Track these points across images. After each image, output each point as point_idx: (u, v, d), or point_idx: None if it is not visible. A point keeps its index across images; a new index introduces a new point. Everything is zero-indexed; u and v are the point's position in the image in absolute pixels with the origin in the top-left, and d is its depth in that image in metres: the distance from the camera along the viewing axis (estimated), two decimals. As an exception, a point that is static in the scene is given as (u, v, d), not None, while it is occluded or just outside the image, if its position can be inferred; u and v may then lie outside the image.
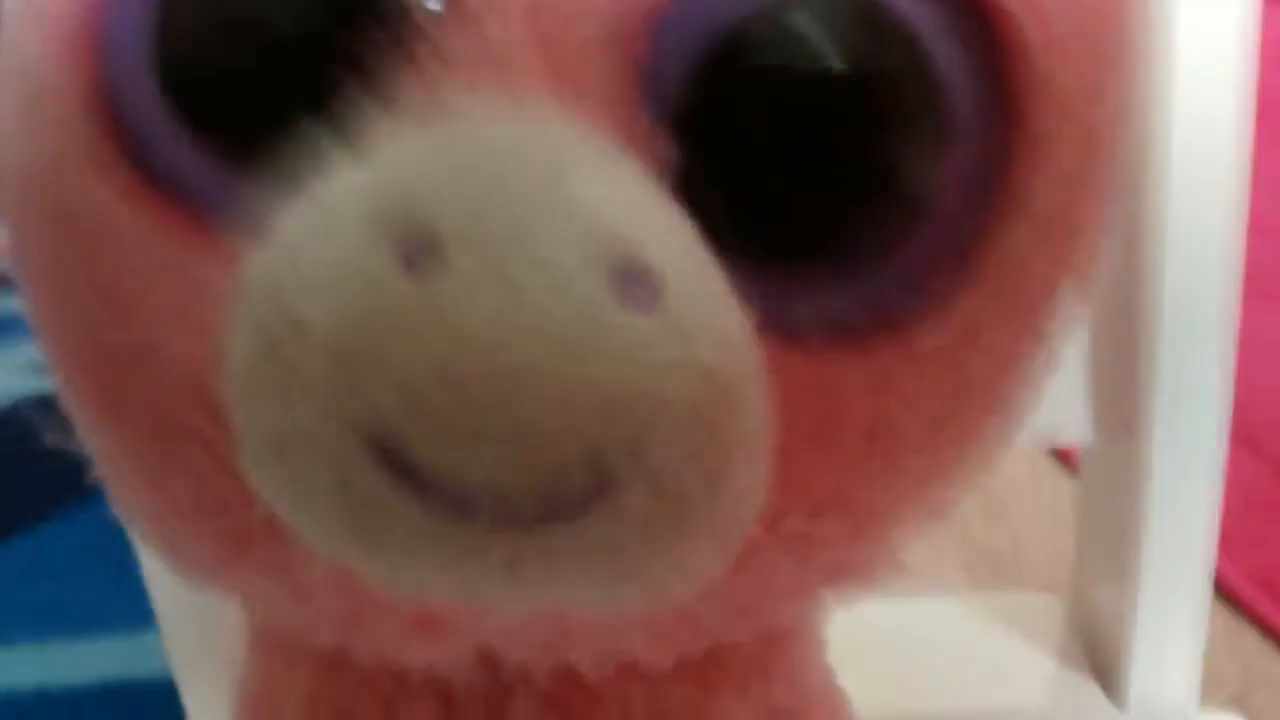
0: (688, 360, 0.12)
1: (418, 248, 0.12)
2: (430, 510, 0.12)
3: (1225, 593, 0.73)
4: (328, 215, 0.13)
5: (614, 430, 0.12)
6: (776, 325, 0.14)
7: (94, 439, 0.18)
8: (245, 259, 0.13)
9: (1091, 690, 0.38)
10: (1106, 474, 0.37)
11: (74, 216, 0.16)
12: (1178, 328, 0.33)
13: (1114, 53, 0.17)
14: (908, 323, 0.16)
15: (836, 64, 0.15)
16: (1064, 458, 0.80)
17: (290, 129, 0.14)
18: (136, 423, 0.16)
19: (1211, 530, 0.36)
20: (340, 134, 0.14)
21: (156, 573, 0.33)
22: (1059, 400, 0.35)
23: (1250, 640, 0.73)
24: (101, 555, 0.88)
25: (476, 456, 0.12)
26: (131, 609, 0.84)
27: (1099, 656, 0.39)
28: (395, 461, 0.12)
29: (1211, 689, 0.38)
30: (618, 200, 0.13)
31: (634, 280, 0.12)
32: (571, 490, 0.12)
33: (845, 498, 0.16)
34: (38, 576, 0.87)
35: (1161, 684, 0.37)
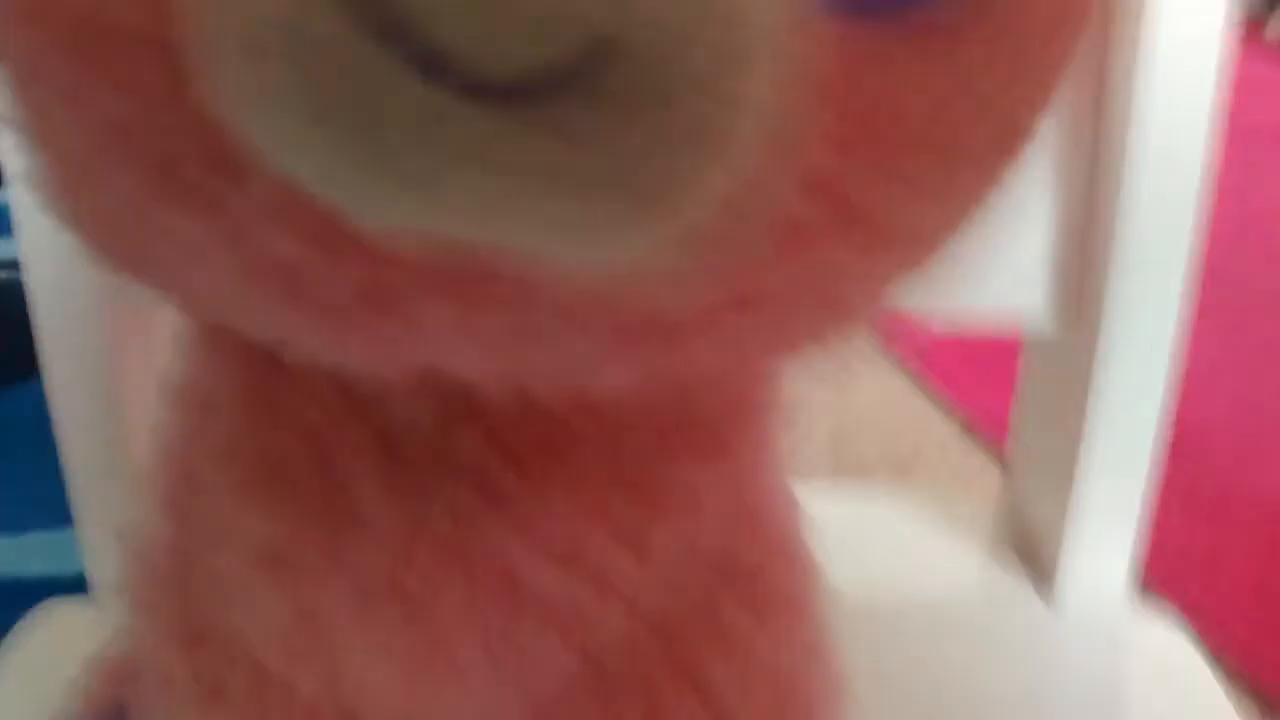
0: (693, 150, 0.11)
1: None
2: (414, 76, 0.11)
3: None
4: None
5: (659, 23, 0.11)
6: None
7: (18, 79, 0.16)
8: None
9: (1021, 584, 0.38)
10: (1053, 367, 0.36)
11: None
12: (1141, 218, 0.32)
13: None
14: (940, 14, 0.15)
15: None
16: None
17: None
18: (65, 32, 0.14)
19: (1160, 430, 0.36)
20: None
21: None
22: (1021, 285, 0.34)
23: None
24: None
25: (473, 11, 0.11)
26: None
27: (1031, 550, 0.39)
28: (382, 17, 0.11)
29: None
30: None
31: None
32: (571, 65, 0.11)
33: (852, 205, 0.15)
34: None
35: (1094, 582, 0.37)
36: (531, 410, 0.19)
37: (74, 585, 0.77)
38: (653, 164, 0.11)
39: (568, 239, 0.12)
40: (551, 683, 0.22)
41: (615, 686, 0.22)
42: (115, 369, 0.35)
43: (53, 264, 0.34)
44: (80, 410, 0.35)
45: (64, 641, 0.36)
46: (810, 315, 0.17)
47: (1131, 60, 0.32)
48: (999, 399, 0.96)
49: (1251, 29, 1.84)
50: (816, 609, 0.23)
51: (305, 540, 0.20)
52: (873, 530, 0.40)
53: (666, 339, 0.16)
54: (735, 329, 0.16)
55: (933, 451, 0.96)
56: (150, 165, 0.14)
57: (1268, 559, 0.84)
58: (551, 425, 0.19)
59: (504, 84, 0.11)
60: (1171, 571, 0.81)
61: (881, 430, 0.96)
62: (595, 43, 0.11)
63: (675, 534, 0.21)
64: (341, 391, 0.19)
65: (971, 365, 1.03)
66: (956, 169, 0.16)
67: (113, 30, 0.13)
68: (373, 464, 0.19)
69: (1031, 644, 0.36)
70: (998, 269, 0.33)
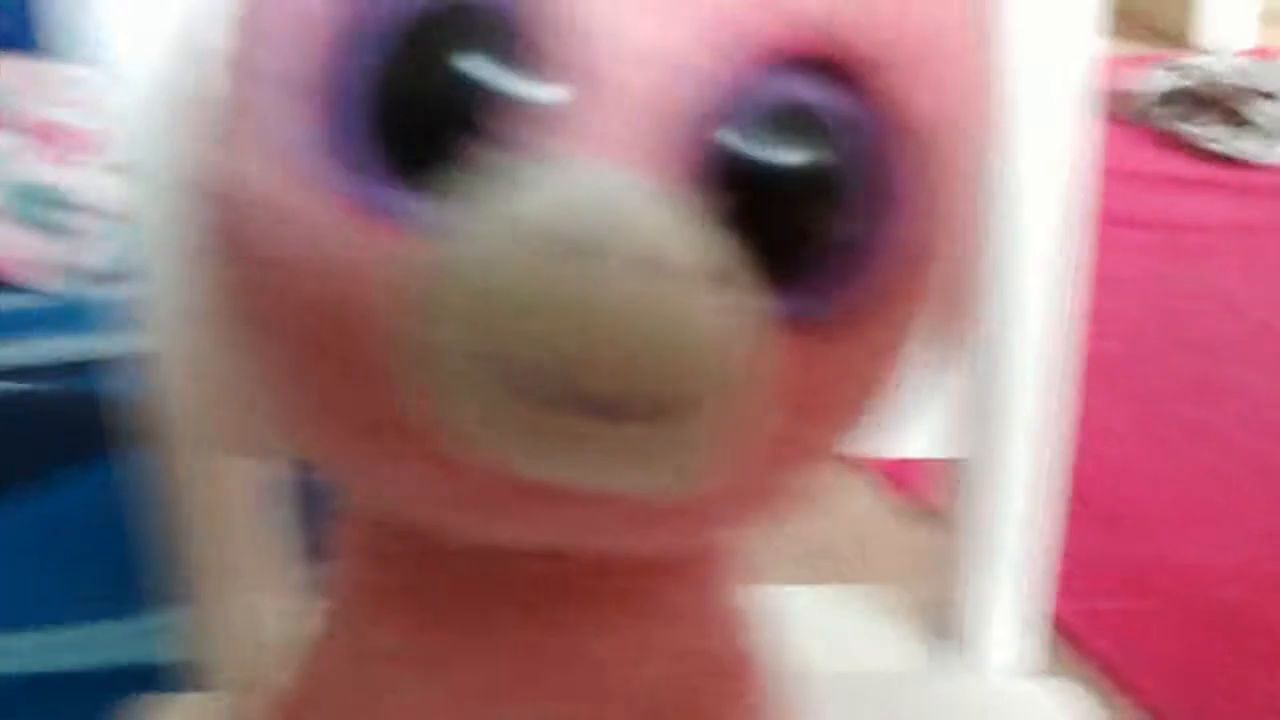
0: (725, 335, 0.21)
1: (567, 250, 0.20)
2: (573, 413, 0.21)
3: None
4: (515, 223, 0.21)
5: (671, 376, 0.20)
6: (776, 316, 0.23)
7: (279, 380, 0.25)
8: (438, 245, 0.21)
9: (949, 658, 0.47)
10: (958, 484, 0.46)
11: (297, 219, 0.23)
12: (1016, 360, 0.42)
13: (973, 124, 0.27)
14: (854, 315, 0.25)
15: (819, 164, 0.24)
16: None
17: (465, 173, 0.22)
18: (328, 357, 0.23)
19: (1052, 537, 0.45)
20: (508, 174, 0.22)
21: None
22: (919, 418, 0.44)
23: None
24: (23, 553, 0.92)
25: (607, 379, 0.20)
26: (57, 604, 0.88)
27: (950, 633, 0.48)
28: (524, 378, 0.20)
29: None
30: (686, 225, 0.21)
31: (694, 278, 0.21)
32: (649, 405, 0.21)
33: (794, 441, 0.25)
34: None
35: (1011, 656, 0.46)
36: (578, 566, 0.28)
37: (122, 676, 0.83)
38: (684, 455, 0.21)
39: (638, 484, 0.22)
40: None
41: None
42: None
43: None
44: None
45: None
46: (769, 501, 0.27)
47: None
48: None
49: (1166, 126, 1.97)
50: (773, 693, 0.32)
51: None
52: (832, 618, 0.48)
53: (677, 525, 0.25)
54: (717, 516, 0.26)
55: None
56: (356, 429, 0.23)
57: (1187, 627, 0.93)
58: (592, 577, 0.28)
59: (618, 412, 0.20)
60: (1101, 636, 0.89)
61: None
62: (659, 399, 0.20)
63: (666, 639, 0.30)
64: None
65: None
66: (851, 412, 0.26)
67: (356, 336, 0.22)
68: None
69: (960, 706, 0.45)
70: (916, 422, 0.43)
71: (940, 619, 0.48)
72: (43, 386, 1.12)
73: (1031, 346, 0.42)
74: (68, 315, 1.30)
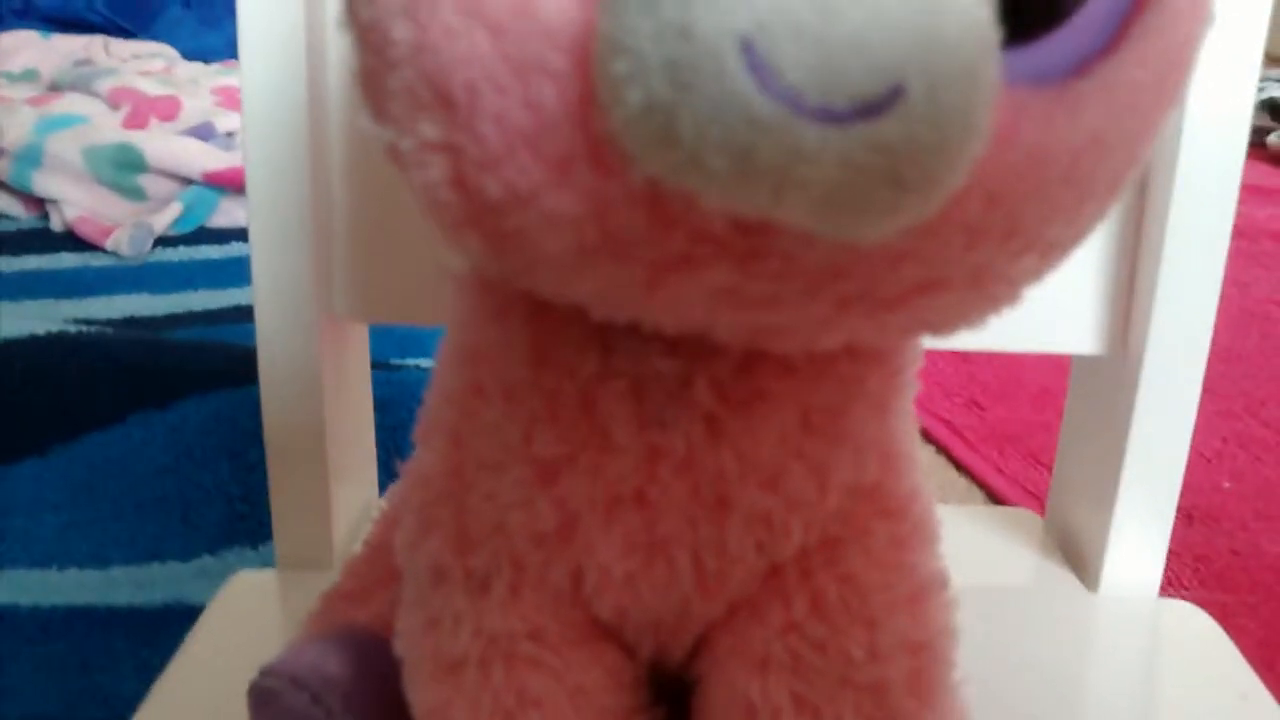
0: (968, 26, 0.18)
1: None
2: (775, 102, 0.18)
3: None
4: None
5: (916, 60, 0.18)
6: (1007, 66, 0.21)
7: (431, 101, 0.22)
8: None
9: (1067, 577, 0.45)
10: (1098, 387, 0.44)
11: None
12: (1177, 256, 0.40)
13: None
14: (1079, 77, 0.22)
15: None
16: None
17: None
18: (496, 66, 0.21)
19: (1185, 445, 0.42)
20: None
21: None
22: (1074, 313, 0.42)
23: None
24: (69, 494, 0.92)
25: (821, 61, 0.18)
26: (91, 544, 0.88)
27: (1074, 553, 0.46)
28: (756, 63, 0.18)
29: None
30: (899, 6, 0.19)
31: (896, 95, 0.18)
32: (876, 100, 0.18)
33: (1012, 215, 0.22)
34: (7, 510, 0.91)
35: (1129, 574, 0.44)
36: (749, 368, 0.26)
37: (158, 613, 0.82)
38: (916, 165, 0.19)
39: (843, 217, 0.20)
40: (740, 579, 0.28)
41: (787, 583, 0.28)
42: (318, 377, 0.42)
43: (277, 281, 0.41)
44: (287, 413, 0.42)
45: (257, 606, 0.43)
46: (968, 301, 0.24)
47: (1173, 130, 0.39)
48: (1023, 472, 1.03)
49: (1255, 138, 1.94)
50: (938, 543, 0.30)
51: (573, 458, 0.27)
52: (957, 536, 0.46)
53: (872, 312, 0.23)
54: (918, 309, 0.23)
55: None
56: (551, 163, 0.21)
57: (1270, 621, 0.90)
58: (763, 381, 0.26)
59: (836, 108, 0.18)
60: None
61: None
62: (893, 87, 0.18)
63: (846, 471, 0.28)
64: (606, 349, 0.27)
65: (993, 440, 1.10)
66: (1085, 199, 0.23)
67: (540, 67, 0.21)
68: (627, 403, 0.27)
69: (1077, 626, 0.43)
70: (1055, 302, 0.41)
71: (1062, 539, 0.46)
72: (118, 333, 1.12)
73: (1189, 248, 0.40)
74: (144, 274, 1.31)
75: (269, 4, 0.39)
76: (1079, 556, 0.45)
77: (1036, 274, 0.25)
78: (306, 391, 0.42)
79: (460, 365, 0.29)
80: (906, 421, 0.29)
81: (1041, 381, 1.18)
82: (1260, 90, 1.98)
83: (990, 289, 0.24)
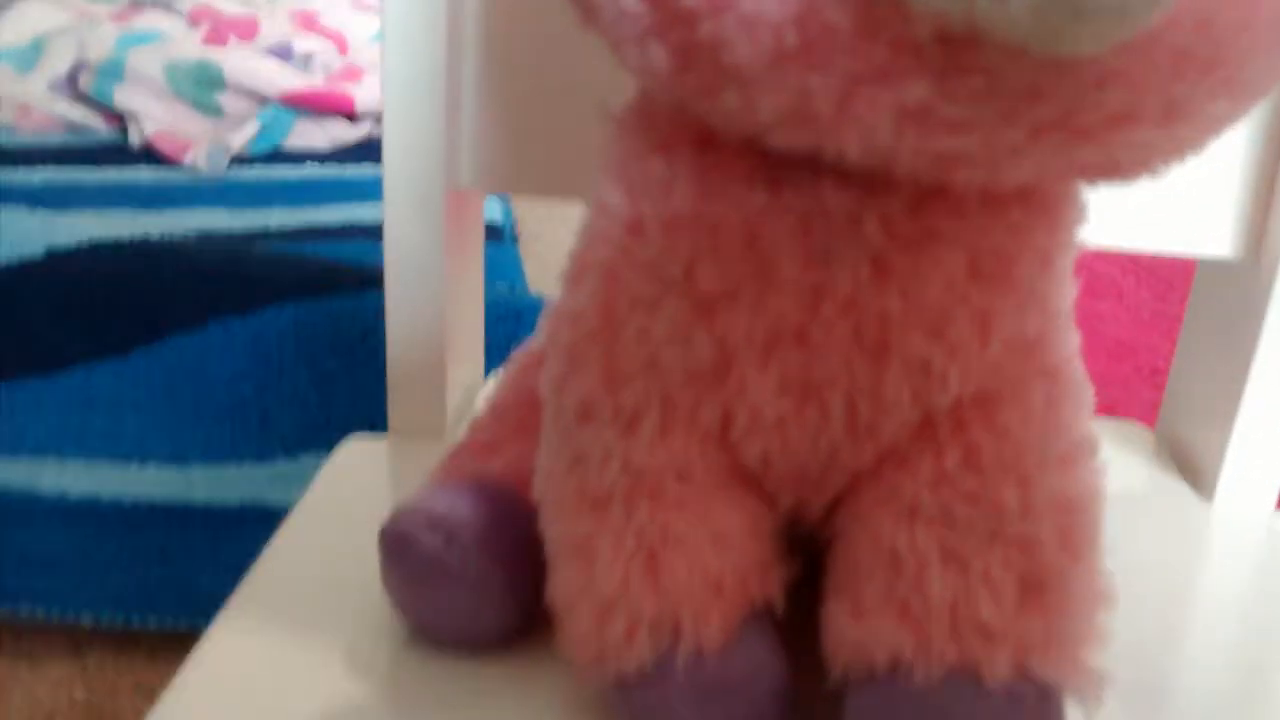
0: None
1: None
2: None
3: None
4: None
5: None
6: None
7: None
8: None
9: (1182, 489, 0.44)
10: (1225, 294, 0.43)
11: None
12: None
13: None
14: None
15: None
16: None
17: None
18: None
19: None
20: None
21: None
22: (1210, 215, 0.41)
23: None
24: (150, 394, 0.93)
25: None
26: (171, 443, 0.90)
27: (1189, 466, 0.45)
28: None
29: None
30: None
31: None
32: None
33: (1215, 46, 0.22)
34: (89, 406, 0.93)
35: (1245, 489, 0.43)
36: (921, 208, 0.26)
37: (234, 513, 0.84)
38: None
39: (1054, 25, 0.19)
40: (892, 429, 0.28)
41: (939, 435, 0.28)
42: (439, 242, 0.42)
43: (406, 145, 0.41)
44: (408, 276, 0.42)
45: (370, 469, 0.43)
46: (1157, 144, 0.24)
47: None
48: (1135, 387, 1.00)
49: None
50: (1091, 408, 0.30)
51: (735, 294, 0.27)
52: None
53: (1065, 144, 0.23)
54: (1109, 144, 0.23)
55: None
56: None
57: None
58: (935, 222, 0.26)
59: None
60: None
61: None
62: None
63: (1010, 324, 0.27)
64: (775, 184, 0.26)
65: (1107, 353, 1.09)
66: (1248, 71, 0.23)
67: None
68: (794, 238, 0.26)
69: (1191, 535, 0.42)
70: (1187, 199, 0.40)
71: (1176, 451, 0.46)
72: (202, 242, 1.14)
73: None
74: (221, 192, 1.32)
75: None
76: (1194, 470, 0.45)
77: (1227, 119, 0.24)
78: (428, 265, 0.42)
79: (617, 204, 0.29)
80: (1068, 283, 0.29)
81: (1149, 299, 1.16)
82: None
83: (1181, 130, 0.23)
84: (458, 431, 0.38)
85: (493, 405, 0.37)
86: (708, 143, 0.27)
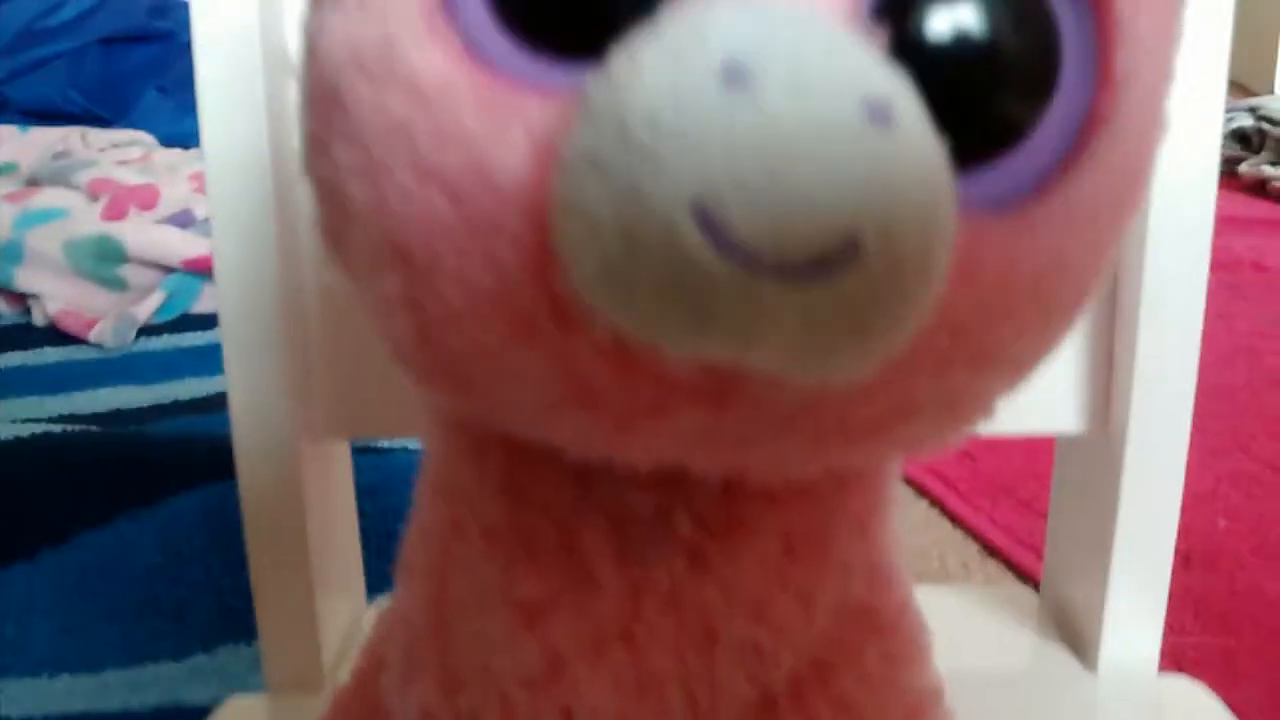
0: (918, 170, 0.18)
1: (736, 76, 0.18)
2: (730, 262, 0.18)
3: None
4: (674, 50, 0.18)
5: (868, 212, 0.18)
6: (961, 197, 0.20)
7: (409, 281, 0.22)
8: (589, 86, 0.19)
9: (1065, 657, 0.44)
10: (1084, 467, 0.44)
11: (413, 75, 0.21)
12: (1153, 333, 0.40)
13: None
14: (1039, 198, 0.22)
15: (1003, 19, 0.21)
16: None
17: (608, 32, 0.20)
18: (454, 229, 0.21)
19: (1174, 517, 0.42)
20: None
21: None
22: (1054, 394, 0.42)
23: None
24: (60, 598, 0.91)
25: (773, 221, 0.17)
26: (84, 649, 0.87)
27: (1071, 631, 0.45)
28: (709, 224, 0.18)
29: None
30: (866, 55, 0.19)
31: (879, 108, 0.18)
32: (832, 254, 0.18)
33: (979, 341, 0.22)
34: (29, 612, 0.91)
35: (1127, 652, 0.43)
36: (730, 497, 0.26)
37: (150, 716, 0.81)
38: (878, 314, 0.19)
39: (810, 364, 0.19)
40: (733, 710, 0.28)
41: (780, 709, 0.28)
42: (300, 497, 0.41)
43: (254, 401, 0.41)
44: (270, 532, 0.42)
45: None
46: (942, 423, 0.24)
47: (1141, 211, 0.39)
48: (1016, 522, 1.03)
49: (1227, 168, 1.96)
50: (931, 655, 0.30)
51: (555, 599, 0.27)
52: (933, 616, 0.46)
53: (847, 443, 0.23)
54: (893, 435, 0.23)
55: (958, 570, 1.02)
56: (514, 321, 0.21)
57: (1275, 663, 0.89)
58: (744, 510, 0.26)
59: (792, 266, 0.18)
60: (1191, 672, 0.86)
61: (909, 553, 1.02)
62: (848, 241, 0.18)
63: (833, 594, 0.27)
64: (583, 485, 0.26)
65: (987, 492, 1.10)
66: (1052, 314, 0.23)
67: (498, 229, 0.21)
68: (607, 540, 0.26)
69: (1077, 708, 0.42)
70: (1039, 387, 0.41)
71: (1058, 617, 0.46)
72: (103, 430, 1.12)
73: (1165, 323, 0.40)
74: (128, 365, 1.30)
75: (230, 113, 0.39)
76: (1076, 635, 0.45)
77: (1008, 389, 0.24)
78: (289, 511, 0.41)
79: (438, 502, 0.28)
80: (890, 535, 0.29)
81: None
82: (1229, 120, 2.00)
83: (962, 410, 0.24)
84: (339, 675, 0.38)
85: (354, 674, 0.37)
86: (515, 447, 0.27)
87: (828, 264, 0.18)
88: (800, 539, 0.27)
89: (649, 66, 0.18)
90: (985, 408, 0.24)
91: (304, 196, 0.41)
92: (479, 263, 0.21)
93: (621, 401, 0.22)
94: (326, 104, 0.22)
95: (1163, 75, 0.24)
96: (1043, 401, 0.41)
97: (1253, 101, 2.06)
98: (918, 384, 0.22)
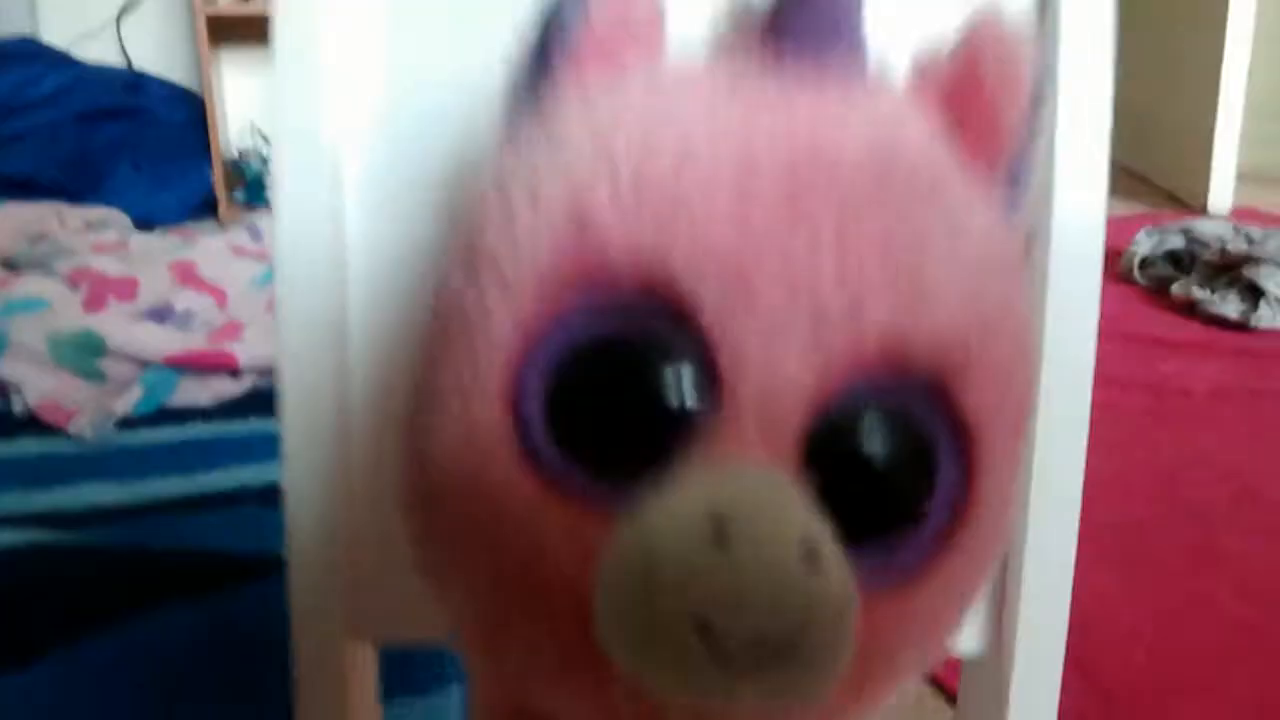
0: (835, 603, 0.26)
1: (719, 530, 0.26)
2: (714, 656, 0.25)
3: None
4: (674, 512, 0.26)
5: (800, 634, 0.26)
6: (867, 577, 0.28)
7: (479, 625, 0.30)
8: (616, 530, 0.27)
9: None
10: (980, 686, 0.51)
11: (491, 493, 0.29)
12: (1034, 568, 0.47)
13: (1025, 414, 0.33)
14: (917, 579, 0.30)
15: (893, 453, 0.29)
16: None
17: (632, 470, 0.28)
18: (521, 615, 0.29)
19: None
20: (667, 467, 0.27)
21: None
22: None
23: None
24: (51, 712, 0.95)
25: (744, 634, 0.25)
26: None
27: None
28: (703, 632, 0.25)
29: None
30: (805, 513, 0.27)
31: (812, 557, 0.26)
32: (782, 649, 0.26)
33: (862, 694, 0.30)
34: None
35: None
36: None
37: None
38: (810, 682, 0.26)
39: (771, 708, 0.27)
40: None
41: None
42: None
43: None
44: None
45: None
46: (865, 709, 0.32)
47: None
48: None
49: (1159, 286, 2.05)
50: None
51: None
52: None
53: None
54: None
55: None
56: (553, 665, 0.28)
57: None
58: None
59: (751, 651, 0.25)
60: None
61: None
62: (790, 642, 0.25)
63: None
64: None
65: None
66: (928, 651, 0.31)
67: (547, 590, 0.28)
68: None
69: None
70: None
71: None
72: (78, 538, 1.16)
73: (1043, 551, 0.47)
74: (105, 460, 1.35)
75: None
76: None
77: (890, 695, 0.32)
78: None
79: None
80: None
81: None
82: (1161, 241, 2.11)
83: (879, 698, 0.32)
84: None
85: None
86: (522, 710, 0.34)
87: (779, 656, 0.25)
88: None
89: (659, 520, 0.26)
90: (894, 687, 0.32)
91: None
92: (544, 629, 0.28)
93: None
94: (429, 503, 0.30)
95: (1010, 489, 0.33)
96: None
97: (1186, 223, 2.17)
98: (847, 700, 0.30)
